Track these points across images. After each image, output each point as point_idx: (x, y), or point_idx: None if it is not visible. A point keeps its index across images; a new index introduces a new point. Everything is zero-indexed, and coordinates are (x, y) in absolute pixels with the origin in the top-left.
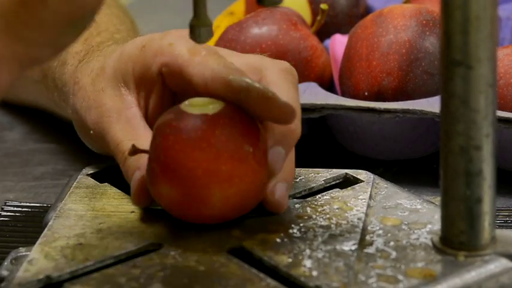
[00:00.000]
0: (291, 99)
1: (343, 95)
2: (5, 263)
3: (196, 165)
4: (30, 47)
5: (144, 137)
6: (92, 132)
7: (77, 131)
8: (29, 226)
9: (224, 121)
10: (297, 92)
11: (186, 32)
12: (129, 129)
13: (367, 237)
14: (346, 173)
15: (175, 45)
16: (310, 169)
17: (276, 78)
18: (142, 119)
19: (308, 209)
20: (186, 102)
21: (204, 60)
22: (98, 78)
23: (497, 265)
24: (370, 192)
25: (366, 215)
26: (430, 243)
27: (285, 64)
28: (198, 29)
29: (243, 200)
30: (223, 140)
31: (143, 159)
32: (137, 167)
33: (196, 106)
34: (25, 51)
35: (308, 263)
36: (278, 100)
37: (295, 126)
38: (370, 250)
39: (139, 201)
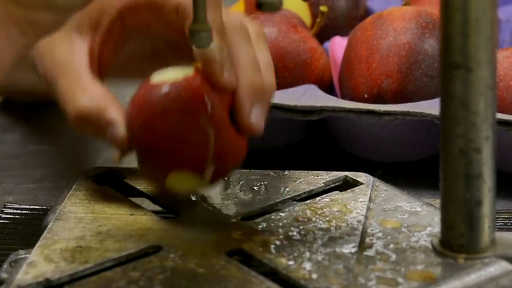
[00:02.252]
0: (266, 56)
1: (343, 97)
2: (5, 266)
3: (154, 132)
4: (29, 10)
5: (89, 89)
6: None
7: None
8: (29, 229)
9: (185, 87)
10: (268, 50)
11: None
12: (75, 82)
13: (367, 240)
14: (346, 176)
15: None
16: (310, 171)
17: (255, 37)
18: (88, 67)
19: (308, 212)
20: (157, 72)
21: None
22: (55, 32)
23: (497, 268)
24: (370, 194)
25: (366, 217)
26: (429, 245)
27: (256, 25)
28: (198, 34)
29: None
30: (178, 108)
31: (109, 114)
32: (108, 123)
33: (163, 75)
34: (23, 13)
35: (308, 265)
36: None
37: (267, 81)
38: (370, 253)
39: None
